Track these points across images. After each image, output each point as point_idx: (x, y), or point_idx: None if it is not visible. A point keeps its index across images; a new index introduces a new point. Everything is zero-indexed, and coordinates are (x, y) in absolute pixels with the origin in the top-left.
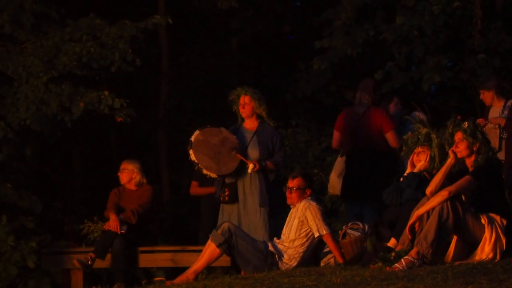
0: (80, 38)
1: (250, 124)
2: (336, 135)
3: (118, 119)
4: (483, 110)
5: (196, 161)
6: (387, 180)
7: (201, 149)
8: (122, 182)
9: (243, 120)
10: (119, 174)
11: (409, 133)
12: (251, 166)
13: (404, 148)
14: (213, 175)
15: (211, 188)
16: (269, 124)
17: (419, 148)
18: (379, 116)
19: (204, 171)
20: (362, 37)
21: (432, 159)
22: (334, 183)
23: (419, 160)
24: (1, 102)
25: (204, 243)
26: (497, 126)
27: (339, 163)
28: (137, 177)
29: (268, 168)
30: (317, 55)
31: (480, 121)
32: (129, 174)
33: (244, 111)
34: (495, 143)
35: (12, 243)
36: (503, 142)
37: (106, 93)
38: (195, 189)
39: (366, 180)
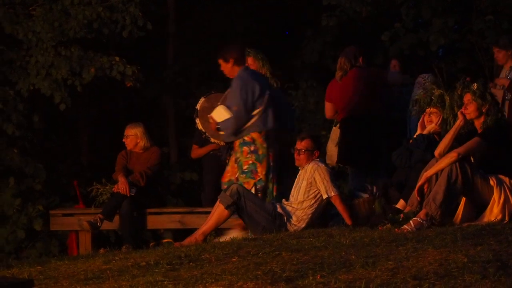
0: (90, 1)
1: None
2: (327, 105)
3: (128, 84)
4: (492, 71)
5: (203, 130)
6: (377, 143)
7: (207, 116)
8: (128, 148)
9: None
10: (124, 140)
11: (421, 92)
12: None
13: (415, 107)
14: (221, 143)
15: (211, 146)
16: (273, 85)
17: (431, 109)
18: (366, 75)
19: (212, 140)
20: None
21: (444, 121)
22: (332, 153)
23: (430, 121)
24: (11, 67)
25: (206, 204)
26: (501, 87)
27: (335, 132)
28: (141, 141)
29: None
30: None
31: None
32: (133, 139)
33: None
34: None
35: (18, 207)
36: (506, 103)
37: (117, 58)
38: (196, 151)
39: (356, 145)
